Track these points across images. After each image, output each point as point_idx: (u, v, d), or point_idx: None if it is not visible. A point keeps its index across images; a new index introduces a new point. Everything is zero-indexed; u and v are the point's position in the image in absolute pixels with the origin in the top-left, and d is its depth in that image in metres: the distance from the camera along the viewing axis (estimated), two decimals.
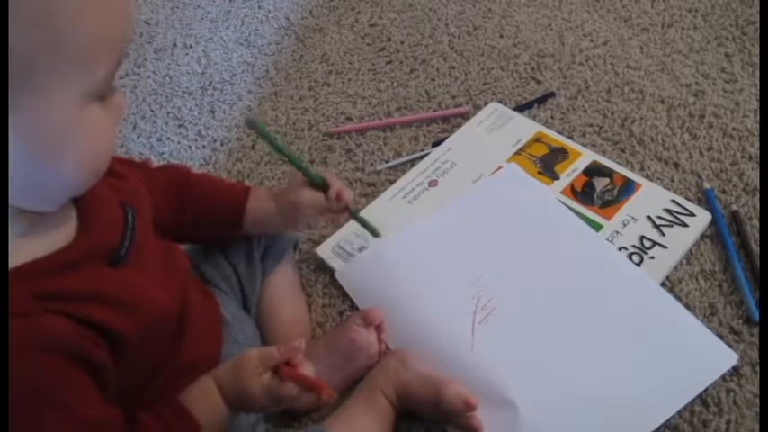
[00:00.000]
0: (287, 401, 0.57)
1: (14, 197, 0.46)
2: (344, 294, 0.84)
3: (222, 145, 1.06)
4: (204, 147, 1.06)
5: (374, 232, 0.83)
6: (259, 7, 1.33)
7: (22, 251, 0.48)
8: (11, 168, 0.44)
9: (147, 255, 0.58)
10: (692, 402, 0.71)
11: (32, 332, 0.45)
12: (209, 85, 1.17)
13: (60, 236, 0.51)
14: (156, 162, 1.03)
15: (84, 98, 0.46)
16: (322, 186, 0.75)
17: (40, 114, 0.44)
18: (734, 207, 0.88)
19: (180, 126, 1.10)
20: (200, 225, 0.71)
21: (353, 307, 0.82)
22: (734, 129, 0.99)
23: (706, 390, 0.72)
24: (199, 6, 1.34)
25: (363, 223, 0.82)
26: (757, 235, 0.85)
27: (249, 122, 0.73)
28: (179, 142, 1.07)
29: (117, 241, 0.55)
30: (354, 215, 0.80)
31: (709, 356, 0.74)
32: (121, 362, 0.52)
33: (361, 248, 0.86)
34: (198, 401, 0.57)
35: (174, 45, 1.26)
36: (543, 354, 0.74)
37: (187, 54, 1.24)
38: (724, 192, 0.91)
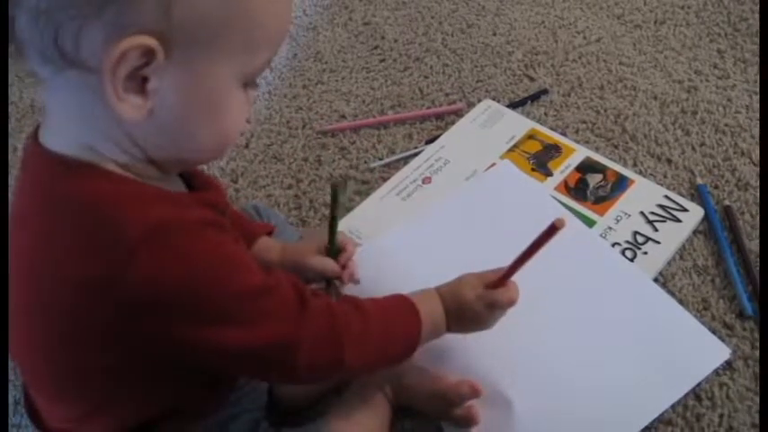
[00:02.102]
0: (497, 306, 0.66)
1: (147, 142, 0.48)
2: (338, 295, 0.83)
3: None
4: None
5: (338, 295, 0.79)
6: None
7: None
8: (158, 118, 0.46)
9: None
10: (686, 397, 0.71)
11: (202, 215, 0.49)
12: None
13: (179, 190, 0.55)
14: None
15: (240, 79, 0.49)
16: (336, 254, 0.73)
17: (205, 77, 0.47)
18: (726, 202, 0.89)
19: None
20: None
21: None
22: (726, 124, 0.99)
23: (699, 384, 0.72)
24: None
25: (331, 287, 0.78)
26: (749, 230, 0.86)
27: (334, 186, 0.71)
28: None
29: (224, 202, 0.60)
30: (329, 281, 0.76)
31: (703, 351, 0.74)
32: None
33: (356, 246, 0.86)
34: (421, 302, 0.64)
35: None
36: (537, 350, 0.74)
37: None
38: (716, 187, 0.91)
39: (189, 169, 0.57)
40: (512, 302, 0.67)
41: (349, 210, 0.91)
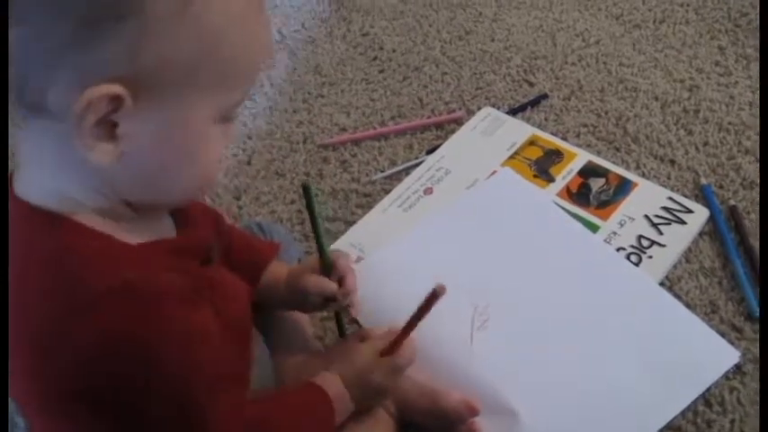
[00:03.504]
0: (399, 372, 0.66)
1: (121, 186, 0.48)
2: (356, 322, 0.83)
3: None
4: None
5: (342, 332, 0.78)
6: None
7: (128, 235, 0.49)
8: (129, 162, 0.46)
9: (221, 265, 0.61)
10: (696, 402, 0.71)
11: (169, 283, 0.48)
12: None
13: (161, 230, 0.54)
14: None
15: (216, 116, 0.48)
16: (329, 267, 0.71)
17: (177, 118, 0.46)
18: (732, 202, 0.88)
19: None
20: None
21: (352, 320, 0.82)
22: (729, 123, 0.98)
23: (709, 389, 0.71)
24: None
25: (339, 321, 0.77)
26: (756, 229, 0.85)
27: (305, 188, 0.70)
28: None
29: (210, 245, 0.58)
30: (337, 311, 0.76)
31: (712, 355, 0.74)
32: None
33: (359, 259, 0.86)
34: (328, 387, 0.63)
35: None
36: (543, 358, 0.74)
37: None
38: (721, 187, 0.90)
39: (173, 207, 0.56)
40: (411, 362, 0.67)
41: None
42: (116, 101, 0.43)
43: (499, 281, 0.81)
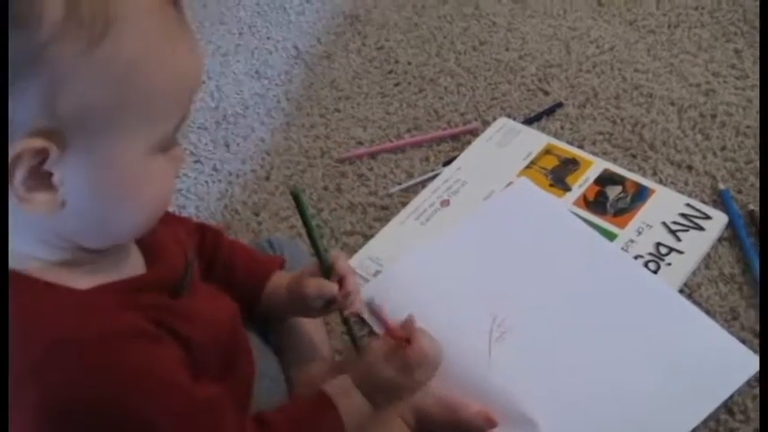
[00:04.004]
0: (410, 366, 0.68)
1: (71, 234, 0.49)
2: (362, 320, 0.84)
3: (237, 177, 1.08)
4: (220, 181, 1.08)
5: (354, 341, 0.77)
6: (268, 38, 1.35)
7: (85, 279, 0.50)
8: (72, 209, 0.46)
9: (199, 291, 0.61)
10: (717, 410, 0.70)
11: (118, 325, 0.48)
12: (223, 119, 1.19)
13: (128, 267, 0.54)
14: (185, 210, 1.05)
15: (153, 148, 0.48)
16: (329, 270, 0.71)
17: (111, 158, 0.46)
18: (751, 206, 0.87)
19: (196, 162, 1.12)
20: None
21: (372, 333, 0.83)
22: (747, 126, 0.98)
23: (731, 397, 0.71)
24: (210, 41, 1.37)
25: (350, 331, 0.76)
26: None
27: (295, 194, 0.70)
28: (195, 178, 1.09)
29: (180, 276, 0.58)
30: (346, 319, 0.75)
31: (733, 363, 0.73)
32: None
33: (377, 273, 0.87)
34: (337, 395, 0.64)
35: None
36: (562, 369, 0.74)
37: (200, 89, 1.26)
38: (740, 192, 0.90)
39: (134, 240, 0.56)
40: (424, 355, 0.69)
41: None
42: (42, 153, 0.43)
43: (517, 291, 0.81)
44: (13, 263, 0.47)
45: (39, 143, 0.42)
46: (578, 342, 0.76)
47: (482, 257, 0.86)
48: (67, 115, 0.43)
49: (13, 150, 0.42)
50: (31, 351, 0.45)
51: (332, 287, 0.70)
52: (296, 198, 0.69)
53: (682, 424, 0.69)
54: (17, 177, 0.43)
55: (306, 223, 0.70)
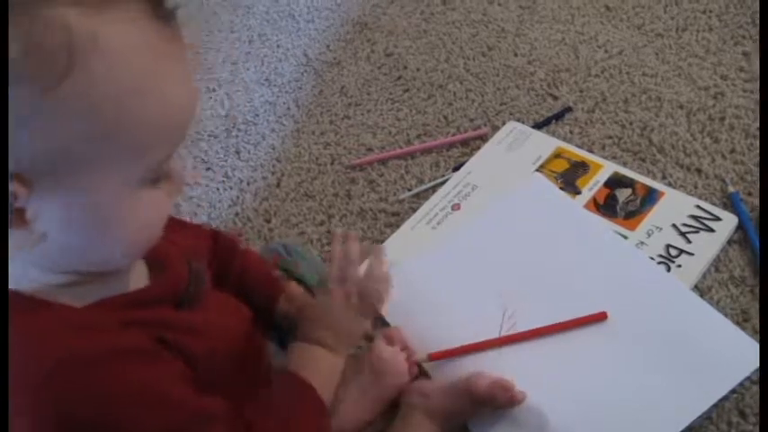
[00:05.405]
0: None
1: (63, 262, 0.48)
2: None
3: (248, 185, 1.09)
4: (231, 188, 1.09)
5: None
6: (278, 46, 1.36)
7: (84, 296, 0.50)
8: (54, 240, 0.46)
9: (209, 301, 0.61)
10: (729, 413, 0.70)
11: (118, 343, 0.48)
12: (234, 127, 1.21)
13: (130, 280, 0.54)
14: (194, 215, 1.06)
15: (136, 183, 0.47)
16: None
17: (83, 195, 0.45)
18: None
19: (207, 169, 1.13)
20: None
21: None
22: (757, 128, 0.98)
23: (744, 399, 0.71)
24: (219, 50, 1.38)
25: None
26: None
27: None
28: (207, 185, 1.10)
29: (184, 288, 0.57)
30: None
31: (740, 352, 0.72)
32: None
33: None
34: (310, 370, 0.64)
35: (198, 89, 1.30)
36: (571, 362, 0.75)
37: (210, 98, 1.27)
38: (750, 194, 0.90)
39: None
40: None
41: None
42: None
43: (529, 285, 0.82)
44: (12, 283, 0.47)
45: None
46: (587, 334, 0.76)
47: (495, 250, 0.87)
48: (37, 158, 0.42)
49: None
50: (32, 375, 0.45)
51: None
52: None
53: (689, 411, 0.69)
54: None
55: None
